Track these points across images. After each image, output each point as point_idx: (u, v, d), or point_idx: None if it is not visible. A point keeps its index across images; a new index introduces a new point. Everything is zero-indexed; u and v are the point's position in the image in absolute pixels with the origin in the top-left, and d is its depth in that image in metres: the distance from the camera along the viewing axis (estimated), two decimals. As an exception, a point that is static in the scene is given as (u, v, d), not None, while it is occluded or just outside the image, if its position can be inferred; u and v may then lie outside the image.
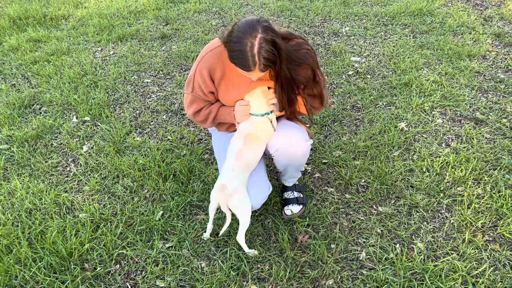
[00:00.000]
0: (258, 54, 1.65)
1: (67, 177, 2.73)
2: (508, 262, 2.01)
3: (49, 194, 2.56)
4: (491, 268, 1.99)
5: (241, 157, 2.01)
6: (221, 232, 2.15)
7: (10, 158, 2.91)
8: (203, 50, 1.99)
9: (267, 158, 2.32)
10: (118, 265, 2.13)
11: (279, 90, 1.93)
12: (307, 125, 2.16)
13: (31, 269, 2.08)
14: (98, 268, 2.10)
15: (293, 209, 2.32)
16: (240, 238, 2.05)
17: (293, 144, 2.06)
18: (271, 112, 2.04)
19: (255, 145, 2.03)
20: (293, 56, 1.82)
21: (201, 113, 2.09)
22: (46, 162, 2.86)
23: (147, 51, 4.32)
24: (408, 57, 3.80)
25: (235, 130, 2.16)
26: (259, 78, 1.95)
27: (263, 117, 2.02)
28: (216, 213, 2.31)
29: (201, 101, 2.07)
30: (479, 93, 3.27)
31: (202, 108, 2.09)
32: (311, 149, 2.81)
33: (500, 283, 1.91)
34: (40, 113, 3.41)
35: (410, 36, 4.23)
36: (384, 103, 3.24)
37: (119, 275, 2.08)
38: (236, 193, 1.98)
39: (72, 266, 2.11)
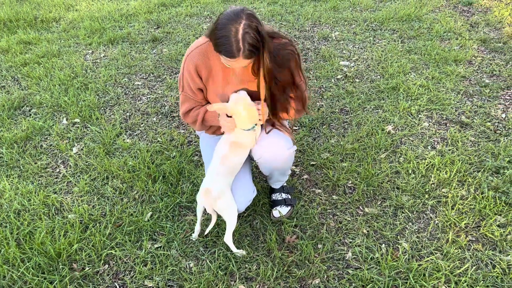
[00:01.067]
0: (242, 39, 1.66)
1: (56, 178, 2.73)
2: (490, 262, 2.06)
3: (38, 195, 2.56)
4: (474, 267, 2.03)
5: (226, 162, 2.03)
6: (206, 231, 2.16)
7: (-1, 160, 2.91)
8: (188, 48, 1.99)
9: (253, 162, 2.34)
10: (106, 265, 2.14)
11: (263, 84, 1.87)
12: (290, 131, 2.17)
13: (19, 269, 2.08)
14: (87, 268, 2.11)
15: (281, 211, 2.34)
16: (228, 239, 2.07)
17: (276, 151, 2.07)
18: (256, 124, 2.05)
19: (240, 151, 2.06)
20: (275, 54, 1.81)
21: (190, 113, 2.10)
22: (35, 163, 2.86)
23: (138, 54, 4.33)
24: (396, 62, 3.87)
25: (222, 133, 2.17)
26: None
27: (250, 131, 2.03)
28: (203, 214, 2.33)
29: (191, 101, 2.08)
30: (464, 97, 3.33)
31: (192, 109, 2.10)
32: (300, 151, 2.85)
33: (482, 281, 1.96)
34: (30, 114, 3.41)
35: (398, 41, 4.30)
36: (372, 107, 3.29)
37: (108, 275, 2.09)
38: (221, 196, 1.99)
39: (61, 266, 2.11)
